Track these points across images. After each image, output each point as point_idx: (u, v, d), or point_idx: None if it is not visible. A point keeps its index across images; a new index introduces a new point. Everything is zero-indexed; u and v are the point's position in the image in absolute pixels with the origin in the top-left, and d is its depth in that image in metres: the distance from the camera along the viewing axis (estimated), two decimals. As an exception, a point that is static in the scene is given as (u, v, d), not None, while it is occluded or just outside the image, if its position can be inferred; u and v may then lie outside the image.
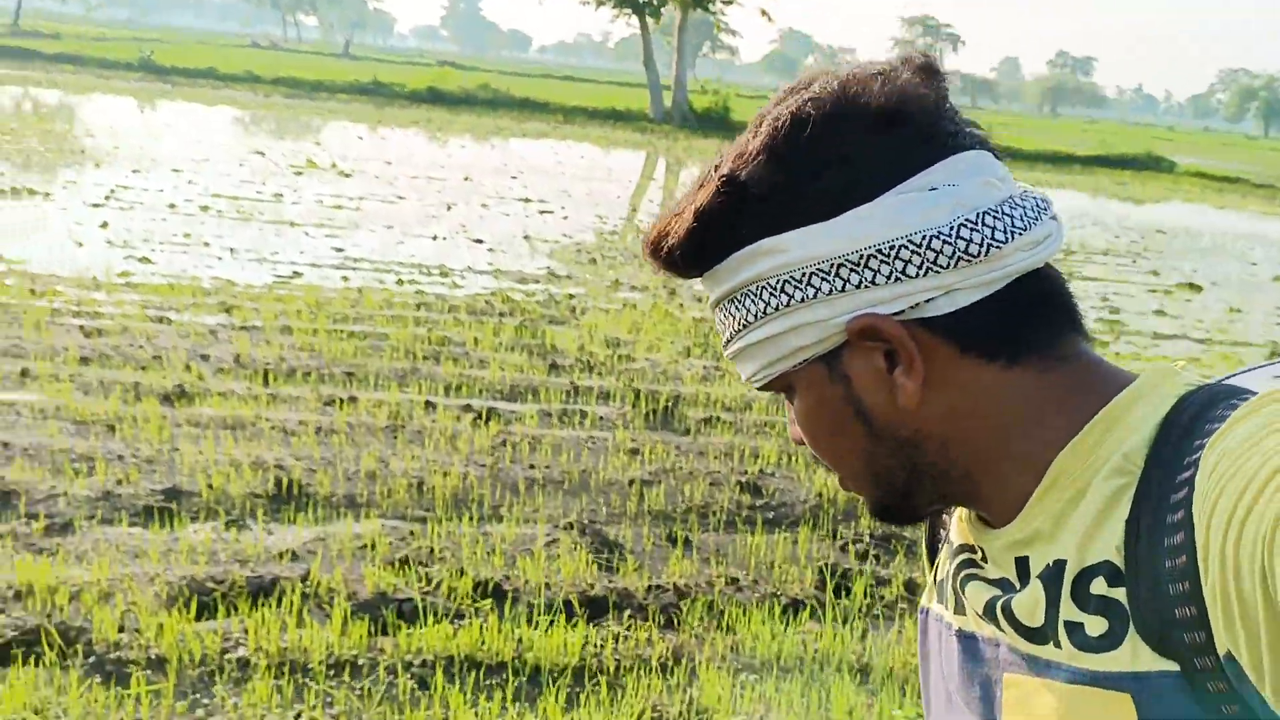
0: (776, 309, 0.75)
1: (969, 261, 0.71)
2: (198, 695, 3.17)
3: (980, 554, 0.79)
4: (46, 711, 2.97)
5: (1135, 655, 0.66)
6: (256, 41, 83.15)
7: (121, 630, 3.40)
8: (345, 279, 9.37)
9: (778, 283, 0.74)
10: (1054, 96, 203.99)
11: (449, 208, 14.37)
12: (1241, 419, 0.62)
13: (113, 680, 3.18)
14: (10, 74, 30.58)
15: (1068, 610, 0.70)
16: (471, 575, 3.94)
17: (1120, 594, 0.67)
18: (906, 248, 0.71)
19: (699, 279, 0.81)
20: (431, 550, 4.22)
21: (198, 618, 3.52)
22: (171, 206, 12.07)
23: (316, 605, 3.70)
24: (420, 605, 3.74)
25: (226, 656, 3.34)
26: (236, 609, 3.63)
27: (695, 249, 0.77)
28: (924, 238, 0.71)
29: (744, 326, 0.78)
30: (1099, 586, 0.68)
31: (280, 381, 6.26)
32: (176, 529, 4.29)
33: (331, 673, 3.34)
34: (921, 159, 0.72)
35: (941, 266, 0.71)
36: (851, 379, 0.75)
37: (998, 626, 0.75)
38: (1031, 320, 0.74)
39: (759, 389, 0.81)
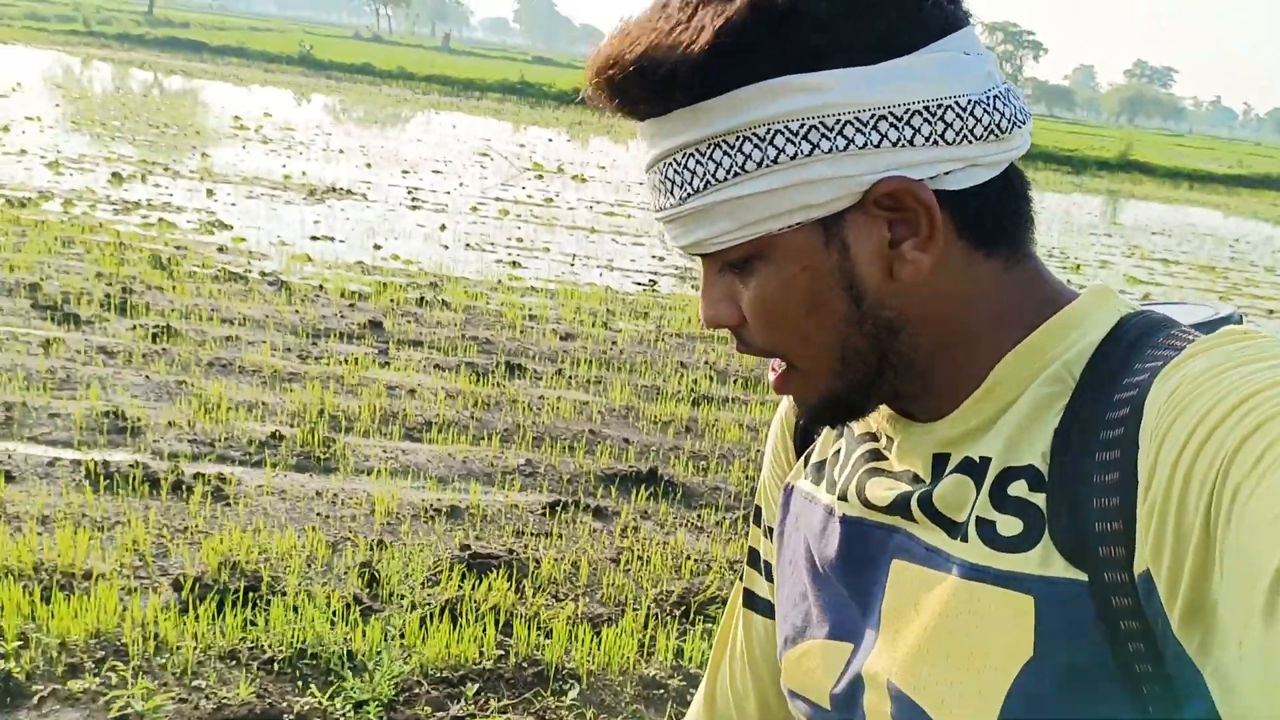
0: (792, 158, 0.66)
1: (997, 136, 0.68)
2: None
3: (886, 443, 0.78)
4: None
5: (1046, 560, 0.65)
6: (359, 33, 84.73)
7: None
8: (694, 287, 10.02)
9: (800, 128, 0.66)
10: (1131, 107, 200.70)
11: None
12: (1200, 351, 0.62)
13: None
14: (194, 66, 31.87)
15: (982, 507, 0.68)
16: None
17: (1040, 499, 0.66)
18: (952, 109, 0.66)
19: (665, 114, 0.69)
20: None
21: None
22: (475, 209, 12.84)
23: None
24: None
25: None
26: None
27: (707, 72, 0.66)
28: (970, 102, 0.67)
29: (733, 175, 0.67)
30: (1019, 489, 0.67)
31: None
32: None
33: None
34: (953, 20, 0.68)
35: (976, 136, 0.67)
36: (851, 248, 0.68)
37: (905, 518, 0.74)
38: (1013, 211, 0.72)
39: (709, 254, 0.72)
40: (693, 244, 0.71)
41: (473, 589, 3.71)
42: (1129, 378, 0.64)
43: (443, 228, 11.35)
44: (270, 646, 3.21)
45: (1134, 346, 0.66)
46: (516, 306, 8.18)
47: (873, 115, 0.65)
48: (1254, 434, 0.54)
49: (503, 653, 3.32)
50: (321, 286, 8.03)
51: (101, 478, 4.26)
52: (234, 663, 3.14)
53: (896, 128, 0.66)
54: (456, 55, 67.96)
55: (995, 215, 0.70)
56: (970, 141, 0.67)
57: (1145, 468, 0.59)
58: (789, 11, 0.65)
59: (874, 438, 0.79)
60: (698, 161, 0.68)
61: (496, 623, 3.46)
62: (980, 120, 0.67)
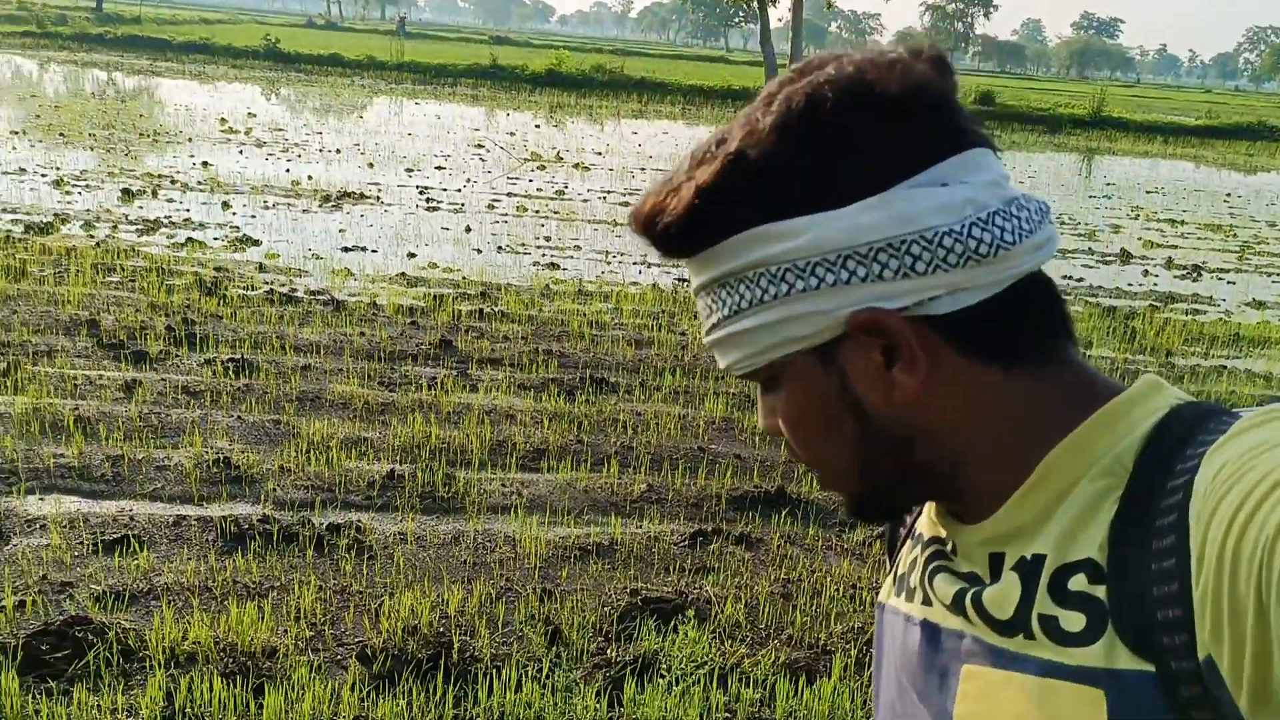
0: (775, 297, 0.72)
1: (977, 262, 0.69)
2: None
3: (950, 546, 0.79)
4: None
5: (1111, 653, 0.65)
6: (313, 21, 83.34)
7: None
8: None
9: (778, 270, 0.71)
10: (1080, 60, 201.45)
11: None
12: (1246, 430, 0.62)
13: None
14: (160, 65, 31.18)
15: (1043, 604, 0.69)
16: None
17: (1100, 591, 0.66)
18: (917, 243, 0.69)
19: (686, 260, 0.77)
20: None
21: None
22: (491, 207, 12.61)
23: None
24: None
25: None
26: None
27: (694, 228, 0.73)
28: (935, 234, 0.69)
29: (735, 313, 0.74)
30: (1079, 583, 0.67)
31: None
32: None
33: None
34: (934, 152, 0.70)
35: (950, 265, 0.69)
36: (847, 373, 0.73)
37: (965, 619, 0.75)
38: (1029, 324, 0.73)
39: (739, 377, 0.79)
40: (726, 368, 0.78)
41: (662, 637, 3.58)
42: (1182, 464, 0.64)
43: (468, 229, 11.13)
44: (493, 724, 3.07)
45: (1188, 433, 0.66)
46: (576, 314, 8.00)
47: (840, 255, 0.69)
48: None
49: (730, 715, 3.19)
50: (375, 303, 7.82)
51: (249, 538, 4.08)
52: (463, 745, 3.00)
53: (864, 264, 0.69)
54: (414, 39, 66.95)
55: (1004, 330, 0.72)
56: (945, 270, 0.69)
57: (1196, 550, 0.60)
58: (761, 166, 0.70)
59: (940, 541, 0.80)
60: (715, 298, 0.76)
61: (710, 679, 3.34)
62: (951, 249, 0.69)
